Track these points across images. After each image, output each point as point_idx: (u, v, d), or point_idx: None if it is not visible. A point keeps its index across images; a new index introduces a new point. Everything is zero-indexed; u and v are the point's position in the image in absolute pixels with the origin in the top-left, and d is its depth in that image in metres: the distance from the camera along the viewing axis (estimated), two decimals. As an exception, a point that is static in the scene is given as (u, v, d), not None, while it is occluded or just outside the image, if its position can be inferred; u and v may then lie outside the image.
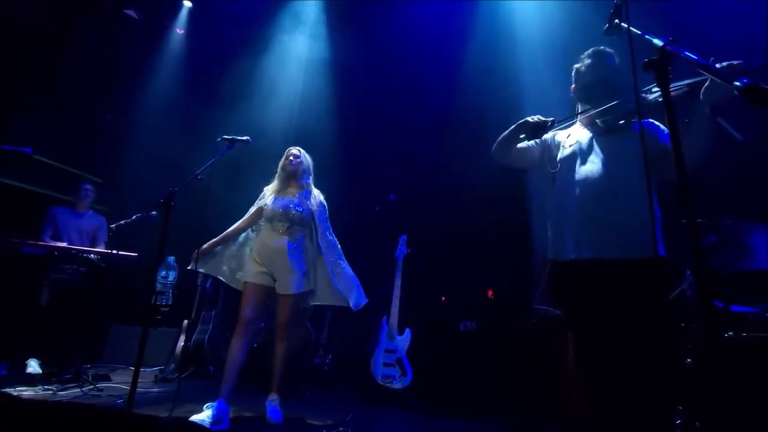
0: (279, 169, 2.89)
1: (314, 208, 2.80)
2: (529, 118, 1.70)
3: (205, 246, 2.77)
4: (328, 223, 2.88)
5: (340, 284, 2.73)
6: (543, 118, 1.68)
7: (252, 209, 2.87)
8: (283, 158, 2.90)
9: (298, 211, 2.72)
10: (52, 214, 3.75)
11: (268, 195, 2.84)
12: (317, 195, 2.90)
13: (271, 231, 2.72)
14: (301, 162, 2.86)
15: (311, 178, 2.93)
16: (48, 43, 4.23)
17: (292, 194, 2.80)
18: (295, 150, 2.91)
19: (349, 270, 2.80)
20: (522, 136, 1.74)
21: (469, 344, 3.45)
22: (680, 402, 1.91)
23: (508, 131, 1.76)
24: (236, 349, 2.51)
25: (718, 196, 2.72)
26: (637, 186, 1.46)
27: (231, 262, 2.81)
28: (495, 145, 1.81)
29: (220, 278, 2.82)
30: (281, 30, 5.15)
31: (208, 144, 2.71)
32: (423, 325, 3.58)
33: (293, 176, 2.84)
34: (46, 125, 4.30)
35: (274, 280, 2.68)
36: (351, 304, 2.69)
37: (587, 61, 1.74)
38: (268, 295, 2.70)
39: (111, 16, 4.57)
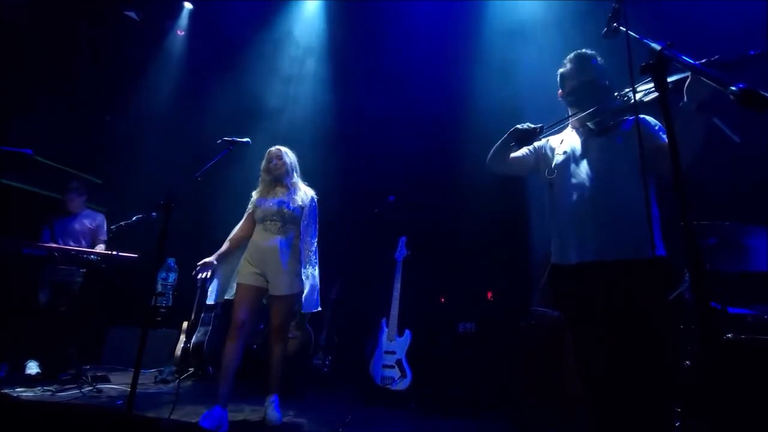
0: (262, 172, 2.78)
1: (304, 204, 2.72)
2: (518, 126, 1.71)
3: (211, 273, 2.69)
4: (315, 224, 2.78)
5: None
6: (532, 125, 1.70)
7: (244, 216, 2.79)
8: (265, 160, 2.77)
9: (290, 209, 2.65)
10: (51, 219, 3.75)
11: (256, 198, 2.76)
12: (307, 191, 2.79)
13: (263, 231, 2.65)
14: (284, 162, 2.74)
15: (296, 174, 2.81)
16: (48, 43, 4.24)
17: (282, 193, 2.72)
18: (275, 150, 2.77)
19: (314, 280, 2.69)
20: (512, 144, 1.75)
21: (468, 345, 3.45)
22: (679, 404, 1.91)
23: (500, 141, 1.79)
24: (231, 351, 2.44)
25: (718, 198, 2.73)
26: (634, 185, 1.46)
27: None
28: (490, 156, 1.84)
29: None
30: (281, 29, 5.16)
31: (209, 145, 2.68)
32: (422, 326, 3.58)
33: (278, 179, 2.74)
34: (46, 126, 4.31)
35: (268, 282, 2.61)
36: (301, 308, 2.64)
37: (570, 66, 1.73)
38: (263, 297, 2.64)
39: (111, 17, 4.58)
